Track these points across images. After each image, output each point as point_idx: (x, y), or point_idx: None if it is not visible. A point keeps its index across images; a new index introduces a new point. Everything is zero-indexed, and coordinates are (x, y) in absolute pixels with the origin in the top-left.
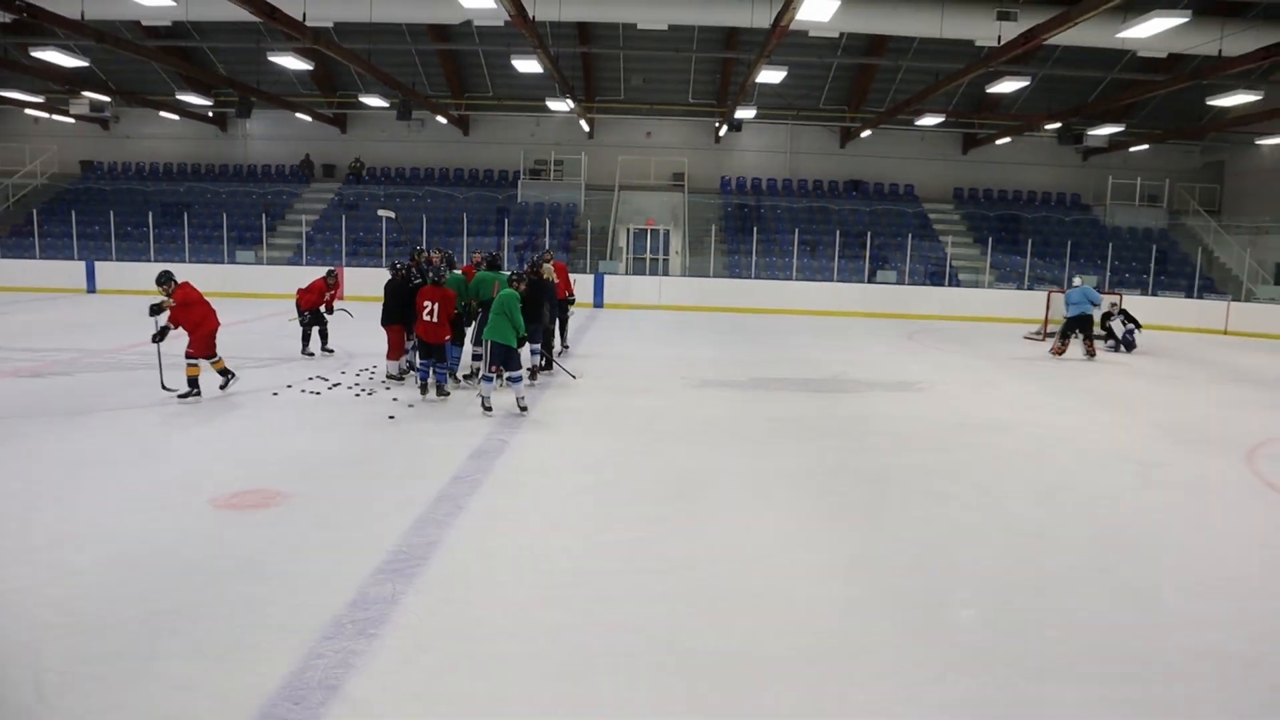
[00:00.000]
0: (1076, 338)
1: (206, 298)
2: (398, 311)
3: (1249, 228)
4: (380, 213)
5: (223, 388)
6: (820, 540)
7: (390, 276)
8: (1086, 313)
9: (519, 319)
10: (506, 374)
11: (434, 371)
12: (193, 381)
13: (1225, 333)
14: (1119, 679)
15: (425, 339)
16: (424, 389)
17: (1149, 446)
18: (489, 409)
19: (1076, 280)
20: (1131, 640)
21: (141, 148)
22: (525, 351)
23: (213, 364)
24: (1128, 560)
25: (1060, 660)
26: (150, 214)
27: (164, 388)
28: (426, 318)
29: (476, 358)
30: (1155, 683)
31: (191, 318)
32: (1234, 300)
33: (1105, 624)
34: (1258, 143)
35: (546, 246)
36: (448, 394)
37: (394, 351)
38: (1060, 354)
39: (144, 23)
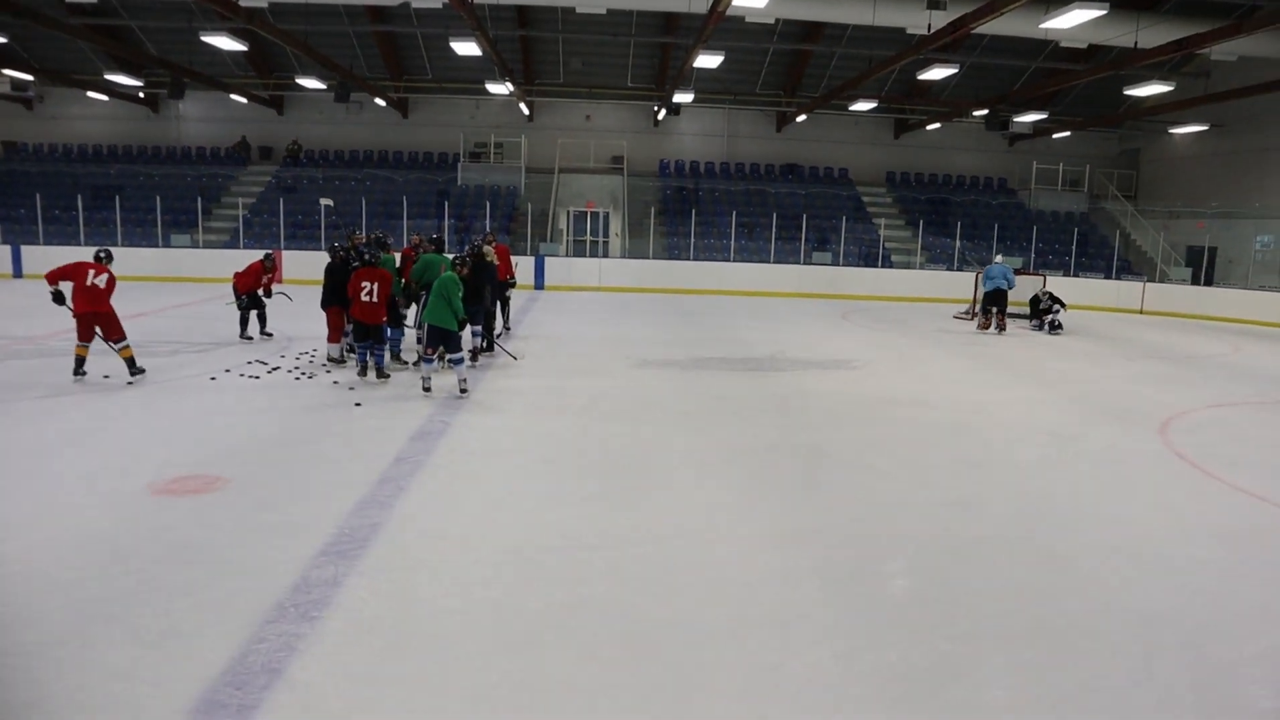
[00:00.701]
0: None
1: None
2: (337, 294)
3: (1163, 212)
4: (321, 201)
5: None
6: (758, 514)
7: (330, 260)
8: (1000, 288)
9: (458, 304)
10: (448, 356)
11: (373, 353)
12: (131, 362)
13: (1141, 312)
14: (1040, 639)
15: (362, 320)
16: (363, 371)
17: (1066, 420)
18: (428, 390)
19: (998, 258)
20: (1051, 602)
21: (69, 129)
22: (466, 333)
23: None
24: (1046, 527)
25: (985, 623)
26: (80, 197)
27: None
28: (365, 299)
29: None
30: (1073, 641)
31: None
32: (1149, 281)
33: (1026, 588)
34: (1171, 131)
35: (488, 229)
36: (388, 376)
37: (334, 334)
38: (986, 328)
39: None
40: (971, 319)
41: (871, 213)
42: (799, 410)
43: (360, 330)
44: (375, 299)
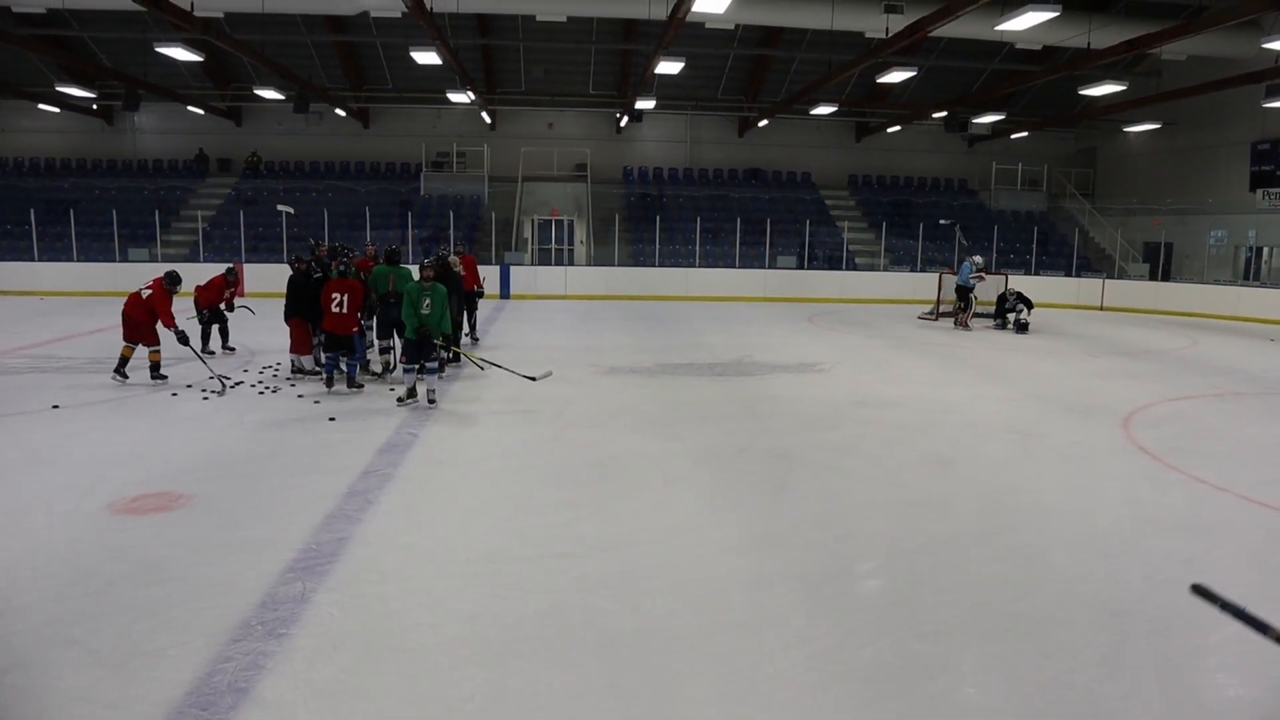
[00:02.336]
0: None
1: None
2: (300, 306)
3: (1120, 209)
4: (280, 208)
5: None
6: (728, 518)
7: (291, 272)
8: (962, 284)
9: (434, 310)
10: (425, 365)
11: (344, 364)
12: (155, 366)
13: (1101, 308)
14: (1009, 634)
15: (333, 331)
16: (329, 382)
17: (1030, 417)
18: (404, 400)
19: (977, 258)
20: (1019, 598)
21: (19, 142)
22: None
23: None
24: (1013, 523)
25: (954, 621)
26: (33, 211)
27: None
28: (335, 309)
29: (384, 351)
30: (1042, 635)
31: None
32: (1108, 278)
33: (994, 584)
34: (1125, 130)
35: (452, 238)
36: (360, 386)
37: (299, 345)
38: (966, 326)
39: (14, 8)
40: (936, 320)
41: (835, 216)
42: (767, 414)
43: (331, 341)
44: (345, 310)
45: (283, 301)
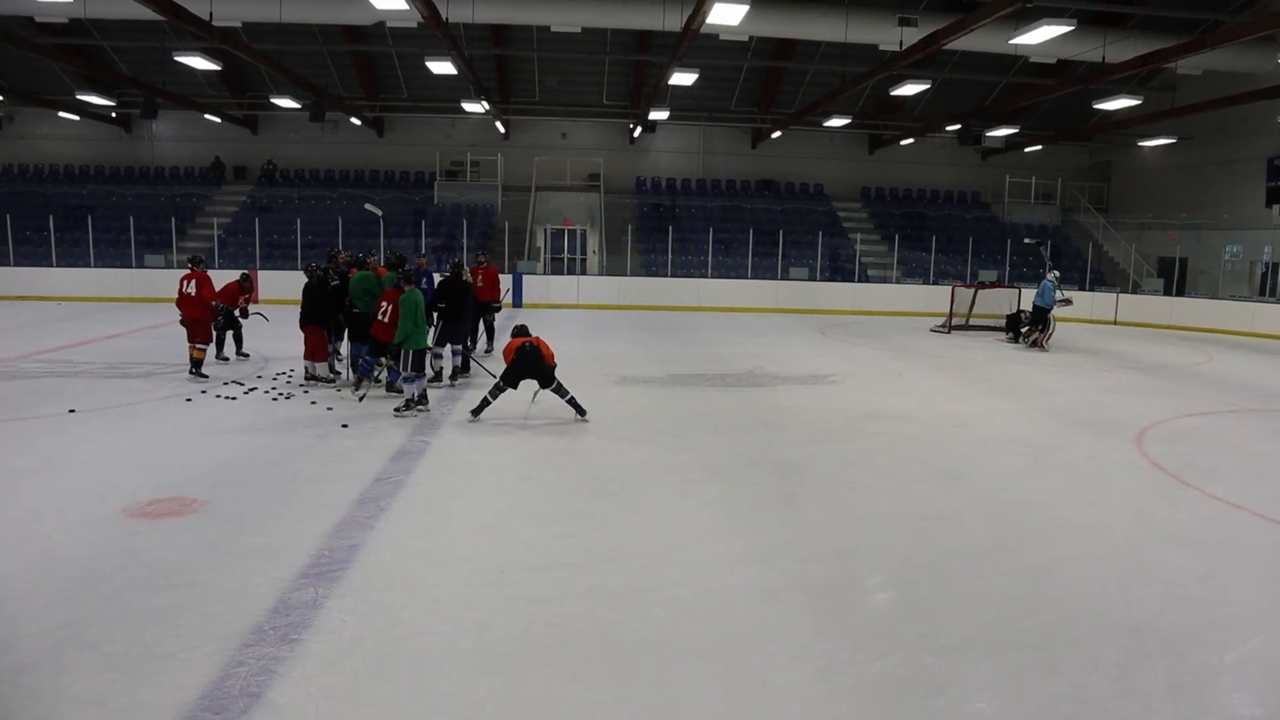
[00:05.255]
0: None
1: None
2: (315, 313)
3: (1134, 224)
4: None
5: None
6: (738, 530)
7: (307, 280)
8: (1042, 305)
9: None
10: (408, 372)
11: (387, 370)
12: (198, 363)
13: (1115, 323)
14: (1019, 650)
15: (380, 338)
16: (357, 384)
17: (1042, 431)
18: (424, 406)
19: (1055, 273)
20: (1030, 614)
21: (39, 149)
22: (446, 352)
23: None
24: (1024, 539)
25: (965, 636)
26: (51, 218)
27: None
28: (381, 318)
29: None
30: (1053, 652)
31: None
32: (1123, 292)
33: (1007, 599)
34: (1140, 144)
35: (465, 248)
36: (401, 392)
37: (314, 352)
38: (1043, 347)
39: (38, 19)
40: (949, 332)
41: (847, 228)
42: (778, 426)
43: (377, 346)
44: (388, 320)
45: (297, 308)
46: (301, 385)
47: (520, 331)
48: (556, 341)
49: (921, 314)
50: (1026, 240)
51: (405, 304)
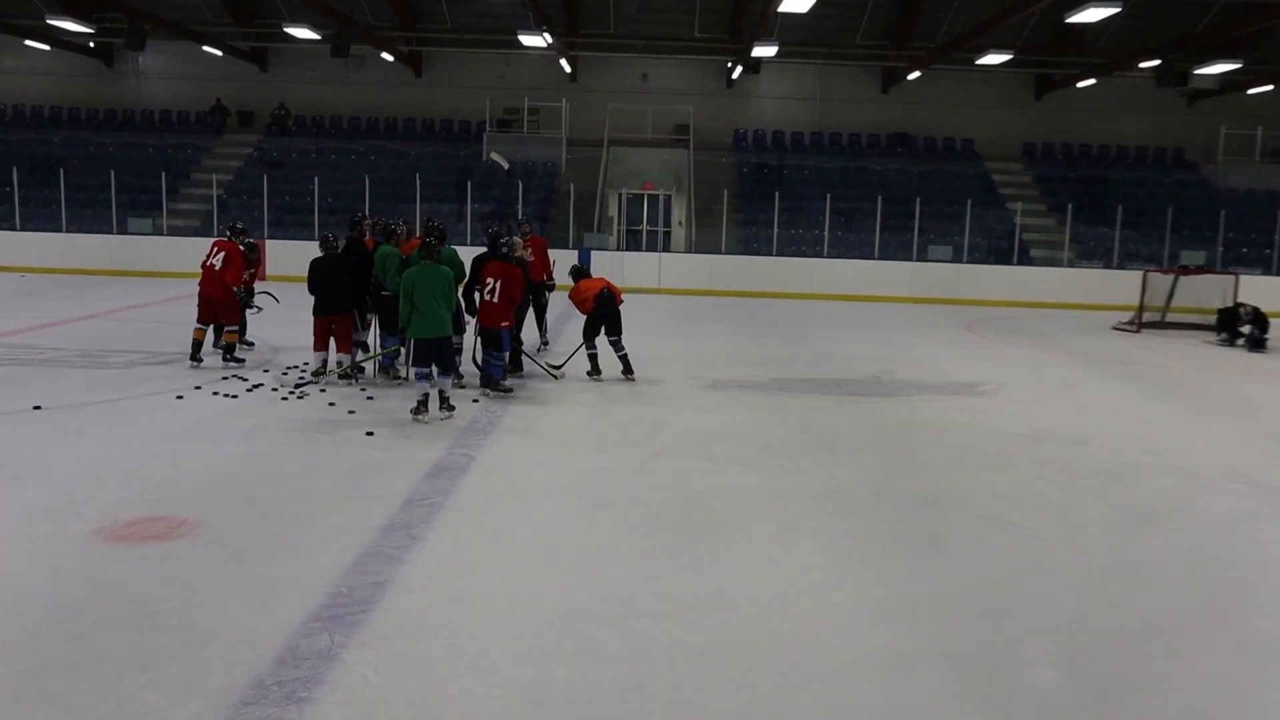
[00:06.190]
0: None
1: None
2: (329, 298)
3: None
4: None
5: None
6: (861, 578)
7: (321, 254)
8: None
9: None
10: (440, 372)
11: (490, 366)
12: (230, 347)
13: None
14: None
15: (487, 325)
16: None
17: (1267, 463)
18: (422, 412)
19: None
20: (1245, 707)
21: (2, 86)
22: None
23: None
24: (1240, 605)
25: None
26: (15, 170)
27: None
28: (487, 296)
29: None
30: None
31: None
32: None
33: (1212, 686)
34: None
35: (521, 215)
36: (509, 390)
37: (339, 344)
38: None
39: None
40: (1138, 331)
41: (1005, 195)
42: (912, 447)
43: (489, 336)
44: (496, 298)
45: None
46: (312, 379)
47: (582, 272)
48: (634, 335)
49: (1101, 307)
50: None
51: (418, 280)
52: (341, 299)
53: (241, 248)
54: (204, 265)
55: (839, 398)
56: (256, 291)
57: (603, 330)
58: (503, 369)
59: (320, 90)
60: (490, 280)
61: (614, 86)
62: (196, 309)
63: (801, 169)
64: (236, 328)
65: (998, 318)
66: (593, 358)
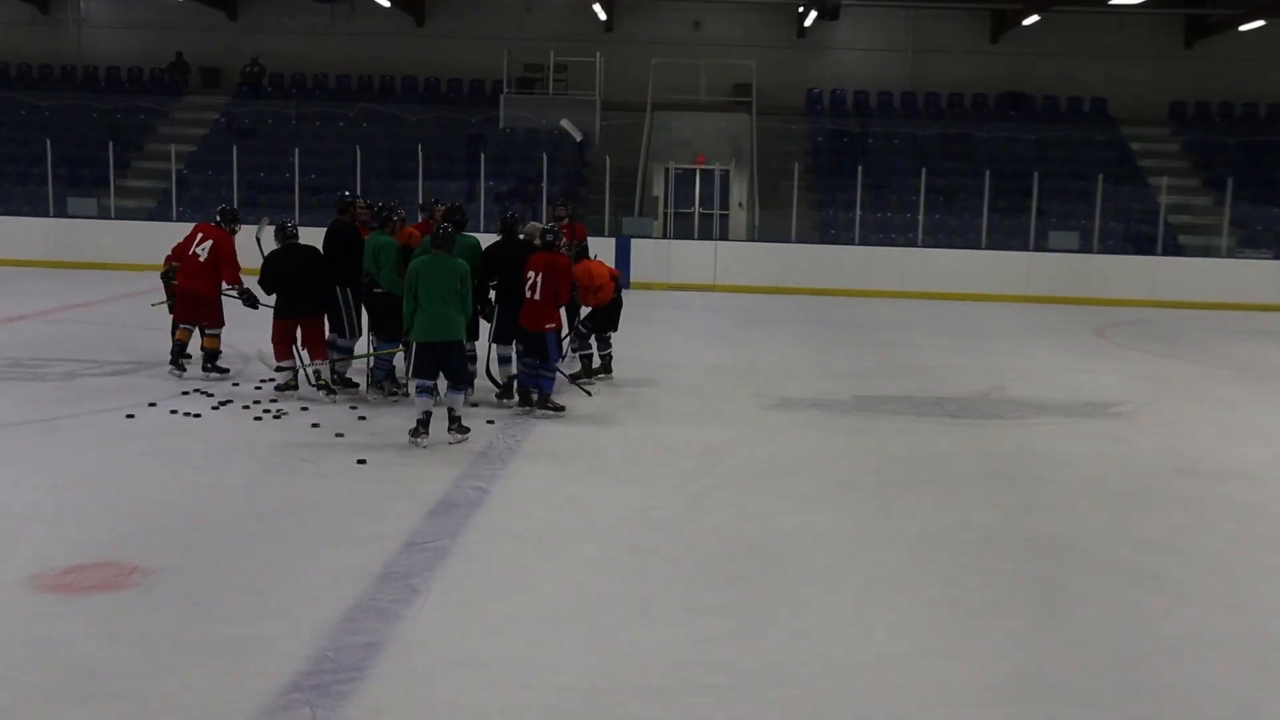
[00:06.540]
0: None
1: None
2: (292, 297)
3: None
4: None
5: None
6: (968, 644)
7: (277, 244)
8: None
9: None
10: (449, 386)
11: (539, 379)
12: (212, 355)
13: None
14: None
15: (528, 327)
16: (525, 400)
17: None
18: (421, 434)
19: None
20: None
21: None
22: (506, 354)
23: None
24: None
25: None
26: None
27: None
28: (528, 294)
29: (503, 360)
30: None
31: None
32: None
33: None
34: None
35: (545, 197)
36: (561, 408)
37: (312, 351)
38: None
39: None
40: None
41: (1146, 168)
42: (1030, 482)
43: (531, 342)
44: (539, 295)
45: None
46: (288, 394)
47: (583, 253)
48: (683, 343)
49: (1270, 308)
50: None
51: (423, 273)
52: (306, 297)
53: (233, 234)
54: (185, 255)
55: (937, 420)
56: (225, 288)
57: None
58: (553, 382)
59: (301, 43)
60: (532, 274)
61: (659, 37)
62: (168, 306)
63: (890, 137)
64: (219, 331)
65: (1136, 321)
66: (587, 360)
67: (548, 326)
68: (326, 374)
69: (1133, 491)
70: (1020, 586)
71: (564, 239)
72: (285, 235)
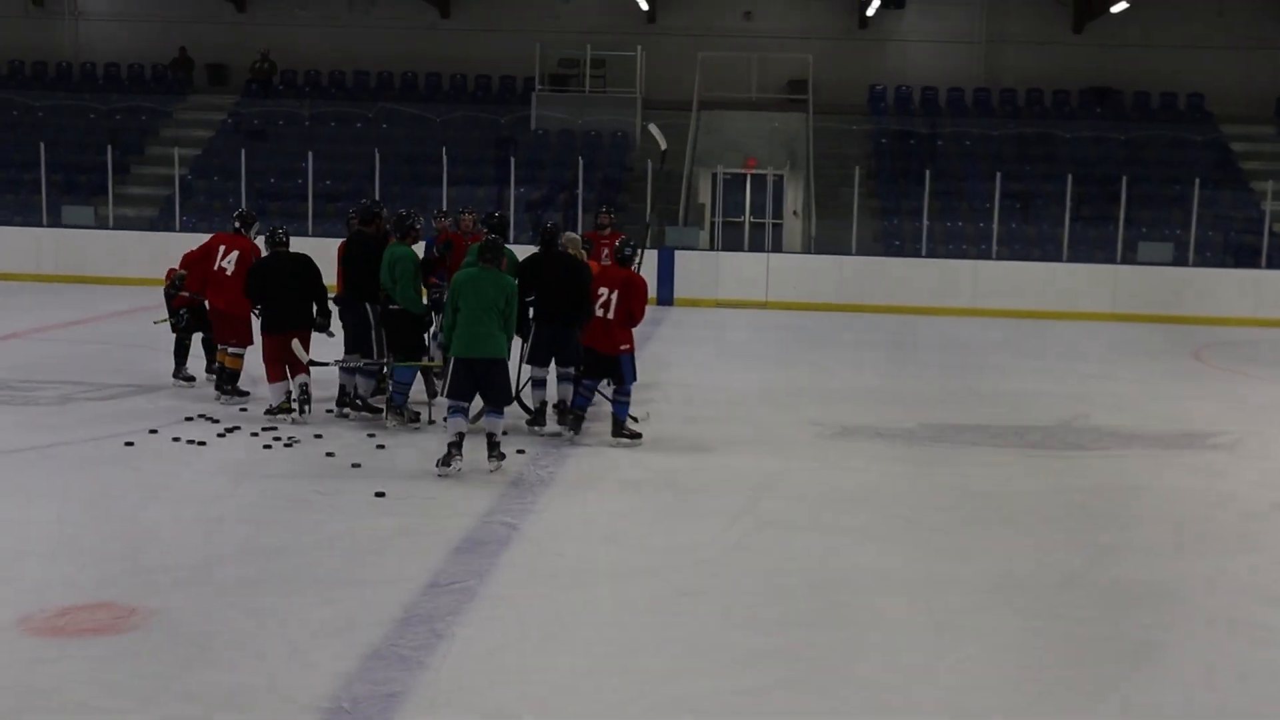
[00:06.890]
0: None
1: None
2: (280, 309)
3: None
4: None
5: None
6: (1050, 700)
7: (265, 252)
8: None
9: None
10: (487, 408)
11: (616, 405)
12: (232, 376)
13: None
14: None
15: (595, 348)
16: (572, 420)
17: None
18: (451, 462)
19: None
20: None
21: None
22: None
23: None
24: None
25: None
26: None
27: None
28: (599, 312)
29: (537, 384)
30: None
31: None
32: None
33: None
34: None
35: (580, 203)
36: (638, 435)
37: (294, 366)
38: None
39: None
40: None
41: (1249, 171)
42: (1120, 519)
43: (597, 364)
44: (612, 314)
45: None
46: (294, 418)
47: (626, 263)
48: (734, 362)
49: None
50: None
51: (466, 286)
52: (295, 310)
53: (257, 242)
54: (210, 271)
55: (1015, 451)
56: None
57: None
58: (627, 406)
59: (316, 36)
60: (605, 291)
61: (706, 29)
62: (171, 324)
63: (961, 138)
64: (243, 350)
65: (1237, 341)
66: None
67: (623, 348)
68: (299, 393)
69: (1235, 531)
70: (1107, 637)
71: (604, 246)
72: (275, 242)
